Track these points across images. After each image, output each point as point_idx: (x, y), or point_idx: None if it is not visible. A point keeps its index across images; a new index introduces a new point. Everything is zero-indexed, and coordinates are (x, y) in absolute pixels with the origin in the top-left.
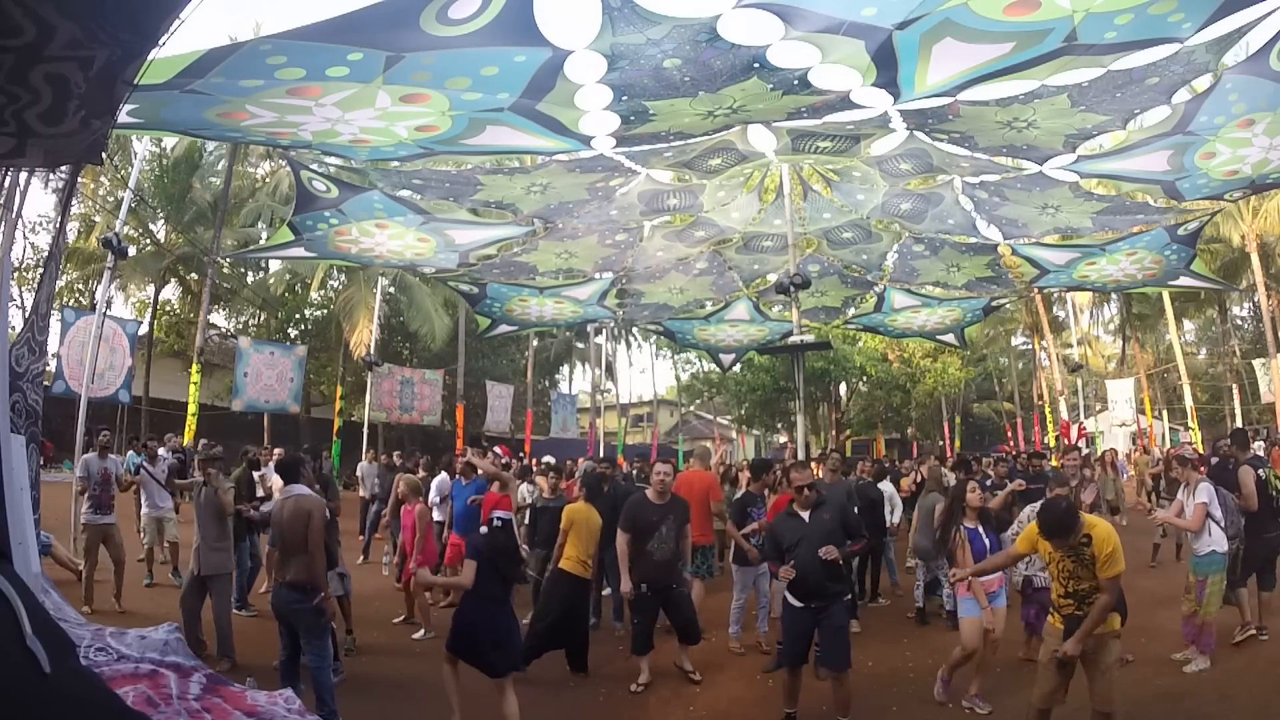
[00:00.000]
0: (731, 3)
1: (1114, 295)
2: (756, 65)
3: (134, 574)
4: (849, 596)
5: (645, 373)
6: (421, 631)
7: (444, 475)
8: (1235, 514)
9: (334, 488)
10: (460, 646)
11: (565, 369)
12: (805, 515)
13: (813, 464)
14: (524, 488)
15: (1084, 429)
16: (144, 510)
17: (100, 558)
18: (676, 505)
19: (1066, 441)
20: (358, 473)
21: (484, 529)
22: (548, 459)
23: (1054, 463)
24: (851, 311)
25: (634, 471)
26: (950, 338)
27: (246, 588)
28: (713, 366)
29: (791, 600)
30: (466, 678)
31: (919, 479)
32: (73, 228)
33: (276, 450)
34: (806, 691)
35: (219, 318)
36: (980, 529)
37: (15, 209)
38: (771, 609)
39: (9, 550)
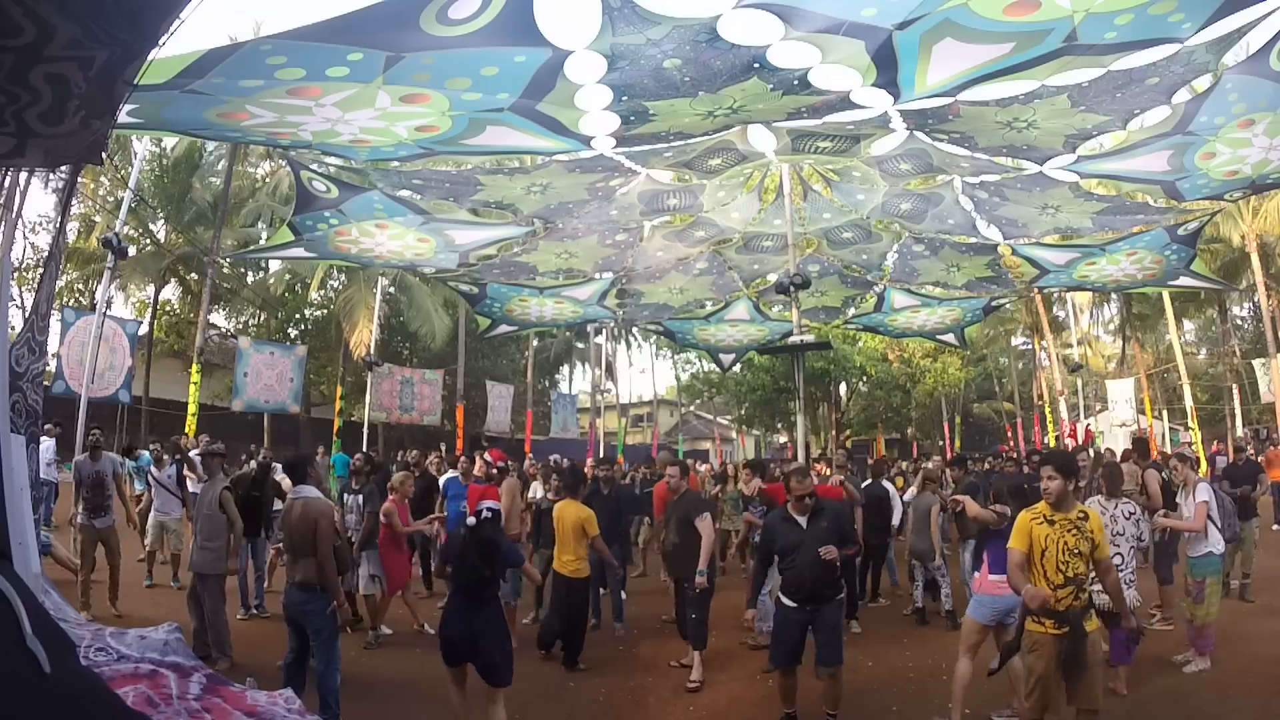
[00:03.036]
0: (731, 3)
1: (1114, 295)
2: (756, 65)
3: (135, 575)
4: (842, 596)
5: (645, 373)
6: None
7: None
8: (1233, 516)
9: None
10: (452, 652)
11: (565, 369)
12: (802, 521)
13: (816, 464)
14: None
15: (1090, 432)
16: (152, 512)
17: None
18: (677, 503)
19: (1073, 442)
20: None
21: (471, 520)
22: (555, 457)
23: None
24: (851, 311)
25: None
26: (950, 338)
27: (257, 589)
28: (713, 366)
29: (786, 601)
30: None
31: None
32: (73, 228)
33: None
34: (804, 691)
35: (219, 318)
36: None
37: (15, 209)
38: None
39: (9, 550)
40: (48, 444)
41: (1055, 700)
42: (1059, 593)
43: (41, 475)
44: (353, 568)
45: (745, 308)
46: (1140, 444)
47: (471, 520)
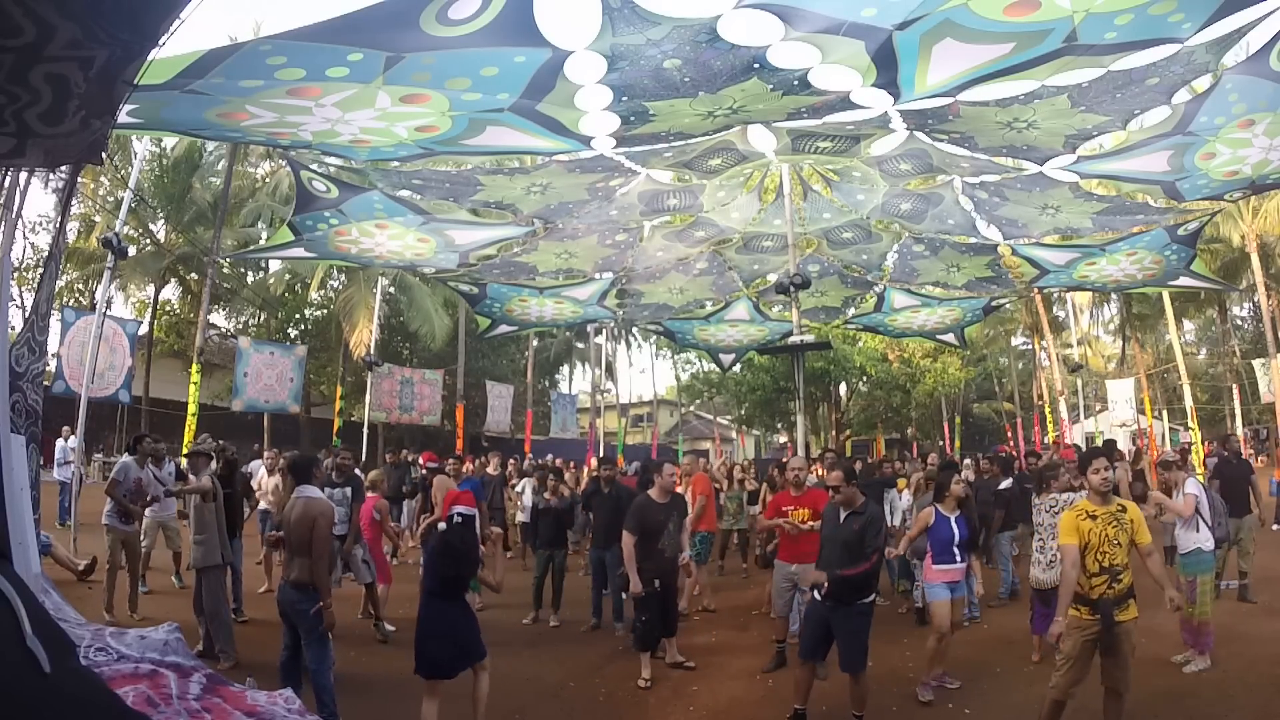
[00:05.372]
0: (731, 3)
1: (1114, 295)
2: (756, 66)
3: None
4: (867, 602)
5: (645, 373)
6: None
7: None
8: (1224, 516)
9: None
10: (427, 665)
11: (565, 369)
12: (842, 514)
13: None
14: (524, 484)
15: (1058, 441)
16: (149, 512)
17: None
18: (678, 502)
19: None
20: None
21: (442, 525)
22: (548, 457)
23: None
24: (851, 311)
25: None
26: (950, 338)
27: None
28: (713, 366)
29: (814, 594)
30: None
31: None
32: (73, 228)
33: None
34: (817, 688)
35: (219, 318)
36: (953, 518)
37: (15, 209)
38: (773, 609)
39: (9, 550)
40: (69, 442)
41: (1078, 683)
42: (1093, 581)
43: (55, 475)
44: (342, 563)
45: (745, 308)
46: (1110, 445)
47: (443, 525)
